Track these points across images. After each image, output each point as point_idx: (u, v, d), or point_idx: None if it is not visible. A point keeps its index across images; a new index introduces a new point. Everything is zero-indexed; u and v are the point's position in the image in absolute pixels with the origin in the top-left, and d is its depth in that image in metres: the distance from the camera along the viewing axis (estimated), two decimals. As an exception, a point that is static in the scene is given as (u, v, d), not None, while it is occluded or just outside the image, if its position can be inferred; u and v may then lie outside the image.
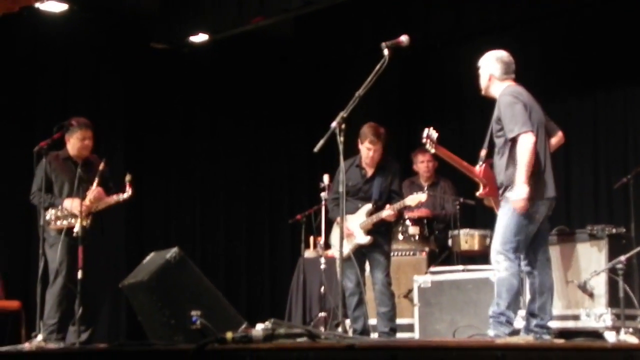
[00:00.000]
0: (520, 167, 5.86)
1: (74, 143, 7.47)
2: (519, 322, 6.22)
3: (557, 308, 6.69)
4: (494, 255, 6.00)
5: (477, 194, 6.35)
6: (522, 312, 6.35)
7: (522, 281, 6.17)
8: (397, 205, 7.25)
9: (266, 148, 11.48)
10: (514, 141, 5.90)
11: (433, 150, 6.27)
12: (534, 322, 6.07)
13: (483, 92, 6.23)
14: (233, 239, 11.12)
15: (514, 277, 5.92)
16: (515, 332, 6.02)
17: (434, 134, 6.20)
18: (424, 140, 6.21)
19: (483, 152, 6.26)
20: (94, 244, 7.28)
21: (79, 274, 6.89)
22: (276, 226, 11.33)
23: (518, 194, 5.85)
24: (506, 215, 5.96)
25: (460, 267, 7.76)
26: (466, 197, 8.22)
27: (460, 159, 6.34)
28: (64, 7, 9.49)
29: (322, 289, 8.49)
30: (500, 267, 5.95)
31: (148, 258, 6.95)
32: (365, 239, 7.28)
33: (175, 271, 6.50)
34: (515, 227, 5.91)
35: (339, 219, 7.11)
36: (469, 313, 7.28)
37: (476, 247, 8.32)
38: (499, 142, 6.05)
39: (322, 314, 8.44)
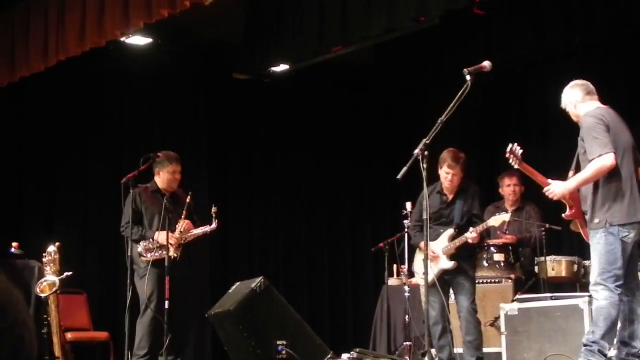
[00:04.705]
0: (581, 175, 5.79)
1: (165, 176, 7.52)
2: (612, 352, 6.06)
3: (649, 336, 6.50)
4: (592, 285, 5.88)
5: (564, 215, 6.24)
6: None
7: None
8: (480, 227, 7.14)
9: (348, 176, 11.48)
10: None
11: (516, 166, 6.20)
12: (625, 350, 5.92)
13: (580, 124, 6.07)
14: (316, 267, 11.13)
15: (613, 307, 5.76)
16: (607, 362, 5.87)
17: (518, 150, 6.14)
18: (507, 155, 6.15)
19: (571, 173, 6.15)
20: (183, 274, 7.35)
21: (166, 304, 6.96)
22: (359, 254, 11.30)
23: (556, 187, 5.90)
24: (599, 245, 5.83)
25: (548, 294, 7.60)
26: (552, 223, 8.07)
27: (544, 178, 6.24)
28: (149, 40, 9.71)
29: (407, 317, 8.41)
30: (599, 297, 5.80)
31: (234, 287, 7.00)
32: (449, 264, 7.19)
33: (260, 300, 6.53)
34: (609, 255, 5.77)
35: (421, 244, 7.06)
36: (558, 341, 7.12)
37: (563, 273, 8.14)
38: (584, 163, 5.94)
39: (407, 343, 8.36)
